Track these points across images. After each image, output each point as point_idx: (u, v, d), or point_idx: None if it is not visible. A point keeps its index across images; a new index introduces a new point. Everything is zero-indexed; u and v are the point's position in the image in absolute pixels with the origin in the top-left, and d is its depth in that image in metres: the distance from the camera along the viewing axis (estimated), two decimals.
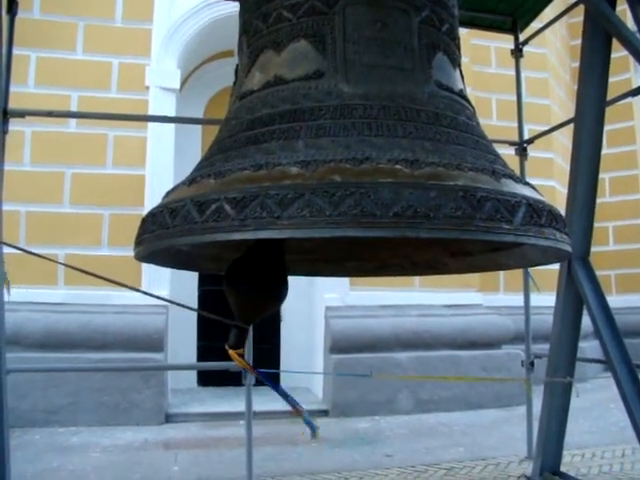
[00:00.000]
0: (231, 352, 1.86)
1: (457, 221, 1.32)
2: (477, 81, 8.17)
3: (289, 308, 7.71)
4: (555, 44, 10.18)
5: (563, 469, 4.28)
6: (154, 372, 6.26)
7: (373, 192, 1.29)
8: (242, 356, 1.85)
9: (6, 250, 3.59)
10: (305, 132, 1.53)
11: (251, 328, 2.00)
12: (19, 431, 5.40)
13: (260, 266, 1.83)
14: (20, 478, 4.04)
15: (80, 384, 5.92)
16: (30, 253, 2.01)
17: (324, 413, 6.58)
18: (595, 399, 6.80)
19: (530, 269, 4.88)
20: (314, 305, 7.66)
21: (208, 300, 7.71)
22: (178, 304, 2.06)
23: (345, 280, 7.02)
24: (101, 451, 5.17)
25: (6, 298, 3.48)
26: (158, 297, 2.22)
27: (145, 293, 2.18)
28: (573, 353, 4.12)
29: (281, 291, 1.92)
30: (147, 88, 6.98)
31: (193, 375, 8.15)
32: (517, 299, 5.73)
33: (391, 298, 7.15)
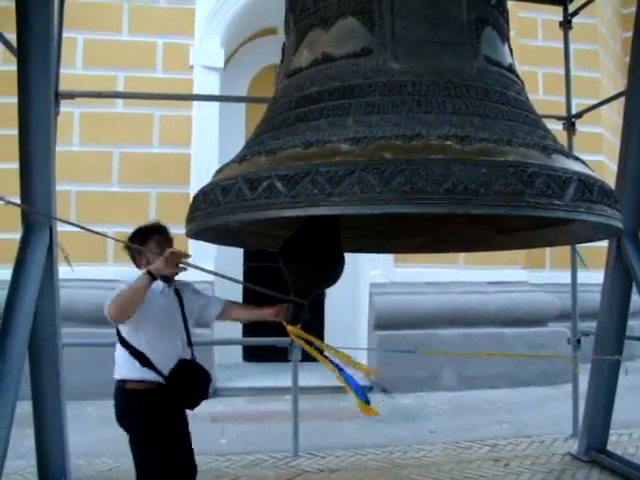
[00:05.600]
0: (289, 328, 1.88)
1: (507, 197, 1.32)
2: (523, 54, 7.98)
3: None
4: (606, 13, 9.83)
5: (610, 448, 4.24)
6: (202, 347, 6.36)
7: (424, 169, 1.30)
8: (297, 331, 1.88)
9: (60, 228, 3.71)
10: (354, 109, 1.54)
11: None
12: (72, 403, 5.56)
13: (315, 242, 1.85)
14: (75, 447, 4.19)
15: None
16: (88, 230, 2.06)
17: (369, 389, 6.62)
18: None
19: (578, 245, 4.80)
20: (358, 282, 7.66)
21: (253, 276, 7.77)
22: (238, 281, 2.07)
23: (389, 257, 7.01)
24: None
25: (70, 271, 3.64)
26: (224, 277, 2.13)
27: (206, 271, 2.10)
28: (621, 331, 4.07)
29: (337, 266, 1.93)
30: (191, 67, 7.04)
31: (239, 350, 8.27)
32: (563, 276, 5.64)
33: (435, 275, 7.12)
